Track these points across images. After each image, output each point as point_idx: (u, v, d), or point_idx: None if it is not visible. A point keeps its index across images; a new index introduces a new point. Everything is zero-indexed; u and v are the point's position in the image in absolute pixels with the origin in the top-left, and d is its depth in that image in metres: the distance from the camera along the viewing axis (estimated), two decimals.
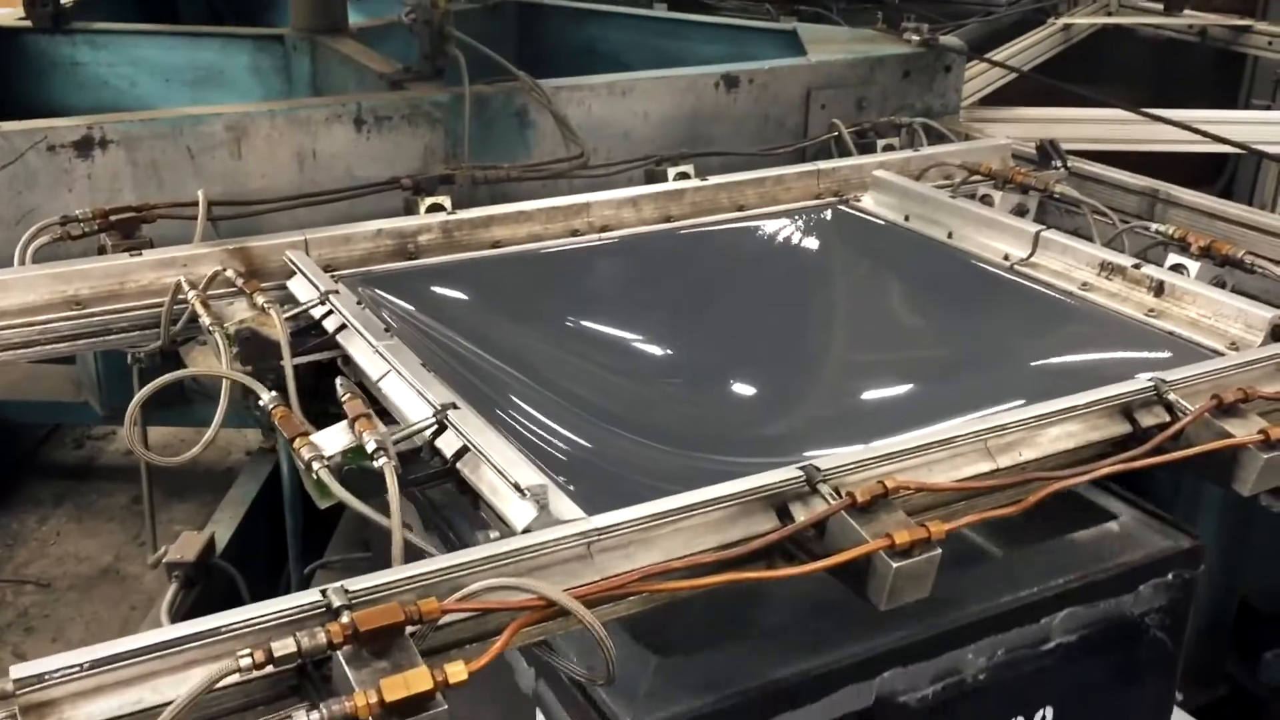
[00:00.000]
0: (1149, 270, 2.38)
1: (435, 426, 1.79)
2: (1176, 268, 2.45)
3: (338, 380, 1.77)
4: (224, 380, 1.88)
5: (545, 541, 1.46)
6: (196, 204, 2.59)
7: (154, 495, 3.99)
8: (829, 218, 2.80)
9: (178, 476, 4.83)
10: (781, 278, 2.34)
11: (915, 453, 1.69)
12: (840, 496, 1.57)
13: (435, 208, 2.75)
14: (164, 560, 3.48)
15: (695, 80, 3.74)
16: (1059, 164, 3.26)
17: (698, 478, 1.62)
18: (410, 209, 2.80)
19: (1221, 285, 2.43)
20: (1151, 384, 1.87)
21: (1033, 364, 2.05)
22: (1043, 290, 2.27)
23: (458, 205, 2.89)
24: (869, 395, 1.87)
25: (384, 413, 1.92)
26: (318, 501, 1.67)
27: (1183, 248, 2.51)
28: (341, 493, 1.59)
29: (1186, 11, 6.36)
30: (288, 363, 1.98)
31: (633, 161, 3.23)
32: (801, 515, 1.59)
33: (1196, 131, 4.15)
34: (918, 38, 4.16)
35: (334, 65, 4.07)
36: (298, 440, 1.65)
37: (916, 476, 1.68)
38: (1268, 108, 6.76)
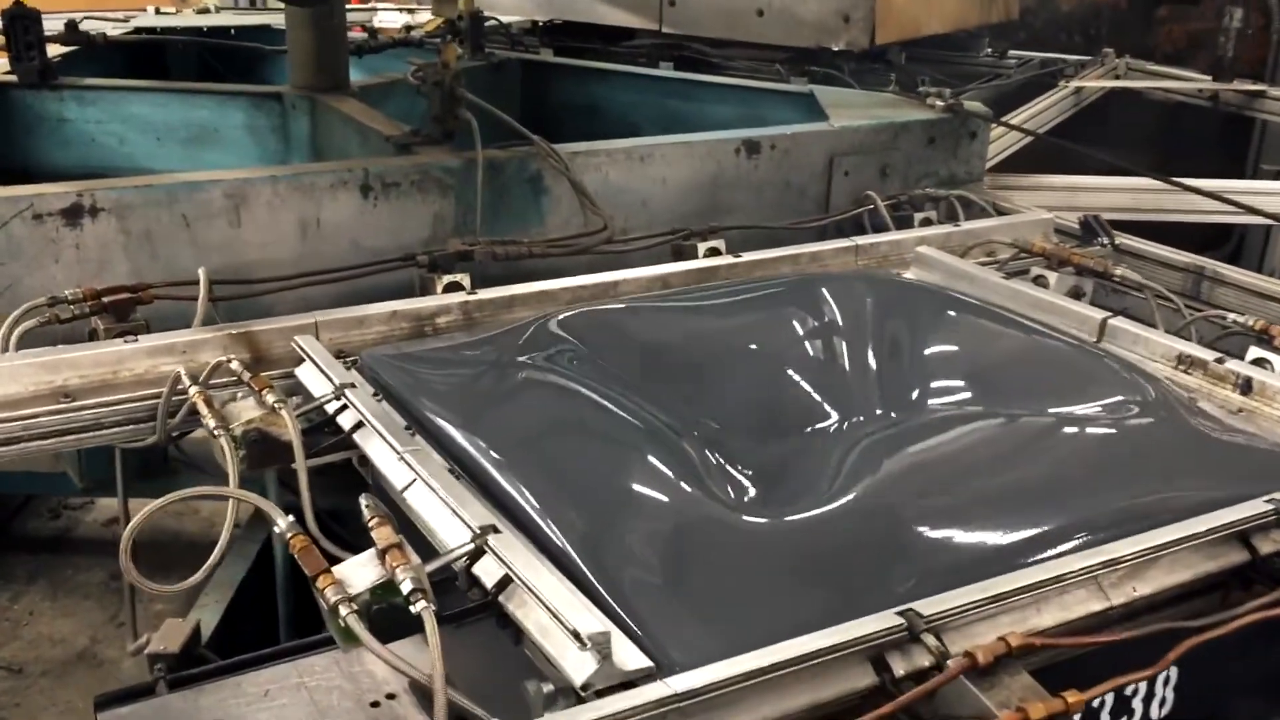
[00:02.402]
0: (1233, 365, 2.20)
1: (473, 550, 1.58)
2: (1259, 362, 2.27)
3: (362, 500, 1.56)
4: (231, 501, 1.66)
5: (619, 712, 1.25)
6: (196, 283, 2.38)
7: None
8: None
9: (160, 550, 4.58)
10: (841, 358, 2.13)
11: (1023, 592, 1.49)
12: (943, 646, 1.38)
13: (453, 286, 2.56)
14: (145, 651, 3.25)
15: (715, 146, 3.58)
16: (1105, 240, 3.10)
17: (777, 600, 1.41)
18: (426, 287, 2.60)
19: None
20: (1273, 508, 1.68)
21: (1124, 470, 1.85)
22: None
23: (474, 282, 2.70)
24: (963, 513, 1.67)
25: (406, 521, 1.72)
26: (342, 645, 1.46)
27: (1262, 339, 2.33)
28: (373, 644, 1.38)
29: (1197, 76, 6.29)
30: (301, 470, 1.77)
31: (659, 235, 3.05)
32: (900, 667, 1.39)
33: (1230, 202, 4.01)
34: (941, 103, 4.02)
35: (335, 125, 3.88)
36: (321, 579, 1.43)
37: (1024, 618, 1.49)
38: (1278, 174, 6.68)
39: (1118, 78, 6.37)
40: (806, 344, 2.16)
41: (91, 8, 5.45)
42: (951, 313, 2.22)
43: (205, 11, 5.80)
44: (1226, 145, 6.79)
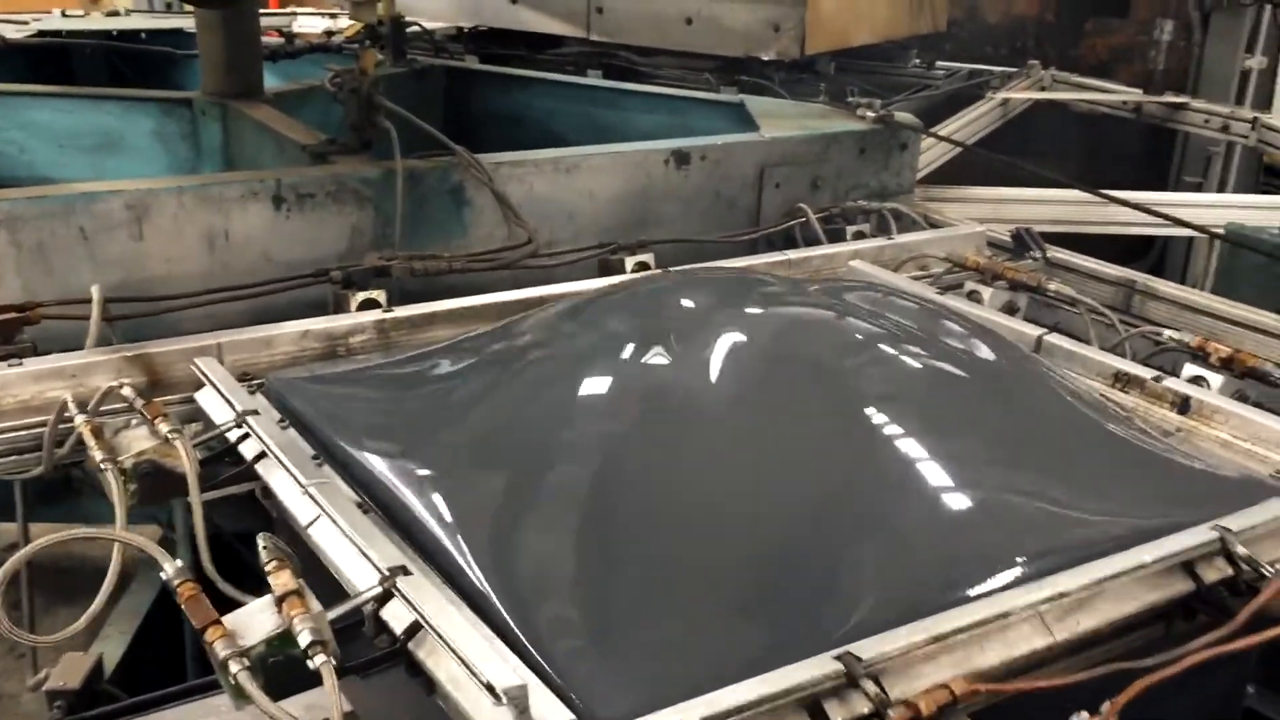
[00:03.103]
0: (1171, 384, 2.15)
1: (380, 594, 1.46)
2: (1196, 380, 2.23)
3: (260, 541, 1.43)
4: (116, 545, 1.52)
5: None
6: (89, 301, 2.22)
7: (34, 603, 3.56)
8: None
9: (63, 578, 4.36)
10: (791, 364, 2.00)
11: (965, 630, 1.42)
12: (883, 693, 1.29)
13: (368, 304, 2.43)
14: (44, 688, 3.09)
15: (645, 157, 3.49)
16: (1037, 253, 3.06)
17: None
18: (340, 305, 2.47)
19: (1244, 399, 2.22)
20: (1217, 535, 1.62)
21: (1063, 496, 1.78)
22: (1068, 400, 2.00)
23: (392, 298, 2.58)
24: (901, 544, 1.59)
25: (314, 560, 1.60)
26: (234, 703, 1.33)
27: (1198, 356, 2.29)
28: (266, 705, 1.26)
29: (1121, 87, 6.34)
30: (196, 506, 1.64)
31: (586, 250, 2.95)
32: (839, 715, 1.31)
33: (1157, 214, 4.01)
34: (872, 114, 3.98)
35: (248, 133, 3.73)
36: (210, 631, 1.31)
37: (967, 656, 1.41)
38: (1199, 184, 6.77)
39: (1043, 89, 6.41)
40: (731, 362, 2.04)
41: None
42: (884, 325, 2.12)
43: (115, 14, 5.58)
44: (1149, 157, 6.87)
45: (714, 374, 1.82)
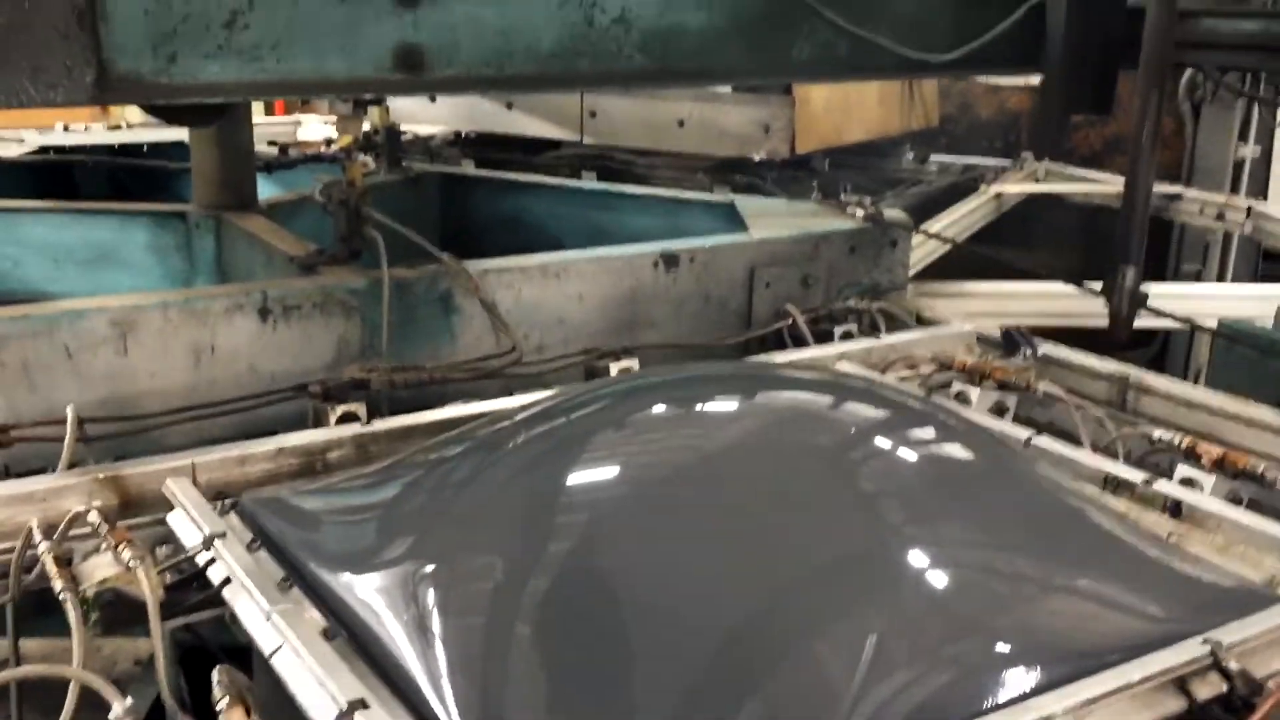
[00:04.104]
0: (1161, 486, 2.11)
1: None
2: (1187, 481, 2.19)
3: (215, 676, 1.39)
4: (72, 683, 1.48)
5: None
6: (64, 421, 2.21)
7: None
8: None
9: (53, 693, 4.29)
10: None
11: None
12: None
13: (347, 417, 2.41)
14: None
15: (633, 260, 3.49)
16: (1028, 350, 3.03)
17: None
18: (319, 419, 2.45)
19: (1237, 501, 2.17)
20: (1209, 650, 1.56)
21: (1049, 608, 1.73)
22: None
23: (377, 409, 2.56)
24: (881, 659, 1.53)
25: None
26: None
27: (1189, 456, 2.25)
28: None
29: (1115, 178, 6.37)
30: (156, 637, 1.60)
31: (570, 356, 2.94)
32: None
33: (1152, 310, 3.99)
34: (862, 212, 3.99)
35: (240, 245, 3.75)
36: None
37: None
38: (1198, 273, 6.76)
39: (1037, 181, 6.45)
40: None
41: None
42: (866, 420, 2.08)
43: (118, 128, 5.67)
44: (1148, 247, 6.87)
45: (675, 485, 1.78)
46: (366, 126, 4.45)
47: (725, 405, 2.03)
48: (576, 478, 1.90)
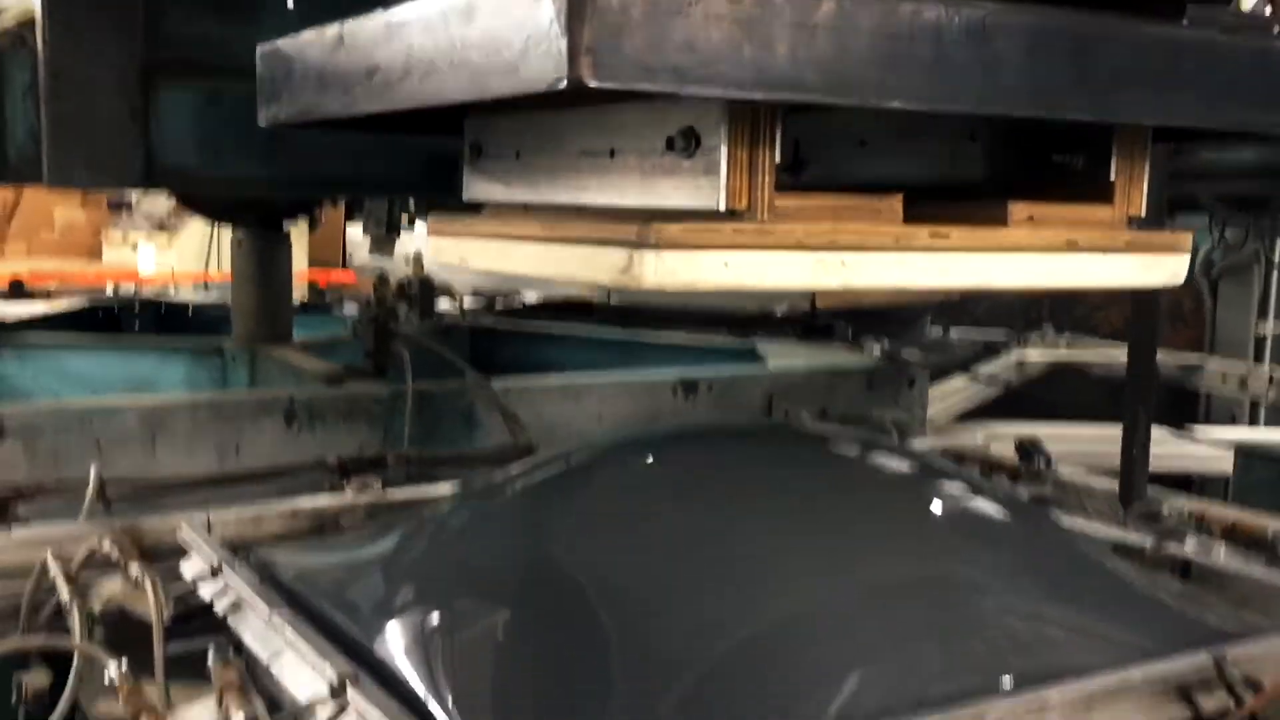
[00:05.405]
0: (1171, 548, 2.09)
1: (334, 710, 1.41)
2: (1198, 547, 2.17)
3: (211, 650, 1.41)
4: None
5: None
6: (86, 483, 2.27)
7: None
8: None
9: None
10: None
11: None
12: None
13: (363, 487, 2.45)
14: None
15: (652, 385, 3.58)
16: (1042, 460, 3.03)
17: None
18: (335, 489, 2.49)
19: None
20: (1211, 660, 1.54)
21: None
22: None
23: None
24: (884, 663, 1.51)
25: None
26: None
27: (1199, 526, 2.24)
28: None
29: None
30: (158, 646, 1.61)
31: None
32: None
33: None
34: (879, 350, 4.09)
35: (273, 371, 3.88)
36: None
37: None
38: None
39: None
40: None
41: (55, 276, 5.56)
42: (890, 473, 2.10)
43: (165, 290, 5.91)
44: (1174, 418, 6.86)
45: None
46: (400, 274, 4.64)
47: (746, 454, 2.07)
48: (589, 521, 1.91)
